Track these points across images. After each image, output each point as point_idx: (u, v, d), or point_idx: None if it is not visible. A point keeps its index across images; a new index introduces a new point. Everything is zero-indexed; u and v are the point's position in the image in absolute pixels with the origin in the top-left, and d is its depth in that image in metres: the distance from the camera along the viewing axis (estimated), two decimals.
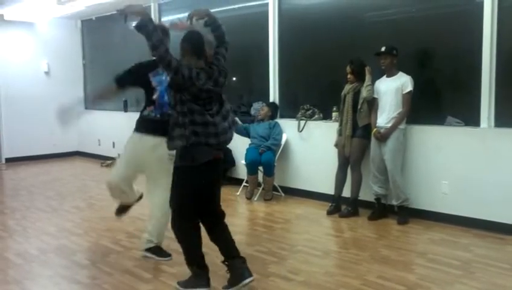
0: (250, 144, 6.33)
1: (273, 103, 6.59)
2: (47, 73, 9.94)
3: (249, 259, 3.99)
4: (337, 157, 5.48)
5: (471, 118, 4.87)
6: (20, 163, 9.26)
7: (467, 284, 3.47)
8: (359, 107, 5.21)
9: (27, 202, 6.15)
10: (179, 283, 3.36)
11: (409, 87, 4.95)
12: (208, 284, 3.30)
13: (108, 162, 9.07)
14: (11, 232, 4.90)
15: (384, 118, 5.07)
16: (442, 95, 5.24)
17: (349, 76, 5.34)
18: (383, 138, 5.04)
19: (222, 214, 3.50)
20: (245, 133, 6.41)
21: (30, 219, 5.33)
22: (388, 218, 5.14)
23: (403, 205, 5.05)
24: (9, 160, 9.40)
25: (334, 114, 5.79)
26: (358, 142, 5.27)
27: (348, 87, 5.38)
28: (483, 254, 4.11)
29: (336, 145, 5.48)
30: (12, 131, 9.42)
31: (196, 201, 3.28)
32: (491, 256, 4.04)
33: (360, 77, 5.26)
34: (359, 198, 5.39)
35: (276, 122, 6.39)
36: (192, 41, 3.20)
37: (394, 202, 5.11)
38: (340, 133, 5.42)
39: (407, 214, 5.05)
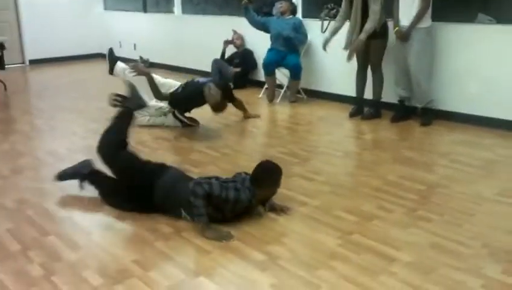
0: (270, 48, 6.14)
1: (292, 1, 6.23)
2: None
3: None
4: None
5: (504, 15, 4.61)
6: (43, 64, 9.30)
7: (488, 183, 3.51)
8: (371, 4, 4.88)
9: (53, 103, 6.26)
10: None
11: None
12: None
13: (131, 64, 9.01)
14: (39, 132, 5.05)
15: (404, 16, 4.78)
16: None
17: None
18: (403, 37, 4.79)
19: None
20: (261, 26, 6.13)
21: (57, 119, 5.46)
22: (411, 120, 5.09)
23: (427, 106, 4.96)
24: (32, 62, 9.45)
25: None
26: (377, 42, 5.05)
27: None
28: (506, 154, 4.10)
29: (346, 46, 5.17)
30: (34, 33, 9.36)
31: None
32: None
33: None
34: (381, 100, 5.31)
35: (301, 20, 6.15)
36: None
37: (418, 104, 5.02)
38: (352, 32, 5.10)
39: (431, 116, 4.98)
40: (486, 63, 4.71)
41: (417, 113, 5.07)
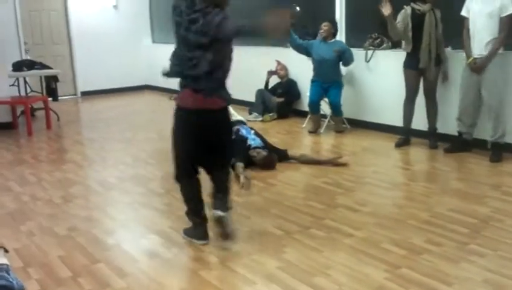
0: (313, 80, 6.15)
1: (334, 20, 6.18)
2: (115, 7, 10.09)
3: (316, 190, 4.07)
4: (406, 87, 5.20)
5: None
6: (94, 96, 9.69)
7: None
8: (440, 30, 4.82)
9: (103, 133, 6.49)
10: (184, 230, 3.25)
11: (510, 10, 4.35)
12: (204, 237, 3.14)
13: (176, 95, 9.26)
14: (90, 162, 5.22)
15: (477, 45, 4.55)
16: None
17: None
18: (479, 69, 4.55)
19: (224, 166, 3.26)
20: (304, 50, 6.10)
21: (107, 149, 5.65)
22: (468, 152, 4.89)
23: (498, 141, 4.66)
24: (84, 93, 9.86)
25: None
26: (437, 69, 4.96)
27: (423, 5, 4.89)
28: None
29: (411, 73, 5.08)
30: (85, 66, 9.80)
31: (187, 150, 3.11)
32: None
33: None
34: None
35: (343, 42, 6.11)
36: None
37: (489, 138, 4.72)
38: (415, 60, 4.96)
39: (501, 151, 4.66)
40: None
41: (487, 146, 4.78)
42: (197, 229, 3.16)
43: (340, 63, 5.99)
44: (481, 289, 2.49)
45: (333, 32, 6.03)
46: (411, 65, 5.09)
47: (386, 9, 4.90)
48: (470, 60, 4.63)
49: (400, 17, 5.04)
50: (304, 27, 6.85)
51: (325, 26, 5.98)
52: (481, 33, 4.52)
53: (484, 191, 3.93)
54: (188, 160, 3.14)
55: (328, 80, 6.00)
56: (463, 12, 4.68)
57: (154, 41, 10.60)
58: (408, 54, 5.12)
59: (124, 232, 3.44)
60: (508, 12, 4.39)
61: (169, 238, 3.24)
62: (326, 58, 5.93)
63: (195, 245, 3.11)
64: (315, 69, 6.12)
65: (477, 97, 4.68)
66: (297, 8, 6.00)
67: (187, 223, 3.23)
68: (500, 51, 4.52)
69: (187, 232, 3.22)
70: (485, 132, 4.83)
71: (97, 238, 3.29)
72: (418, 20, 4.93)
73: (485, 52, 4.52)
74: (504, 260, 2.77)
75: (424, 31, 4.89)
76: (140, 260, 2.97)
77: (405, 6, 5.04)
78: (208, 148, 3.09)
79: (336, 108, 6.02)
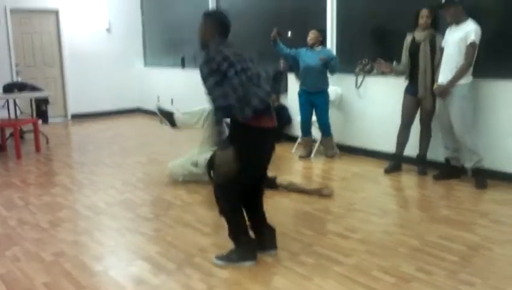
0: (300, 88, 6.06)
1: (322, 29, 6.22)
2: (108, 30, 10.16)
3: (306, 217, 4.07)
4: (400, 115, 5.22)
5: None
6: (85, 119, 9.67)
7: None
8: (436, 59, 4.89)
9: (93, 157, 6.45)
10: (220, 258, 3.17)
11: (472, 37, 4.50)
12: (255, 256, 3.16)
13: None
14: (79, 186, 5.18)
15: (444, 72, 4.72)
16: None
17: (425, 20, 4.93)
18: (442, 94, 4.74)
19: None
20: (292, 58, 6.06)
21: (96, 173, 5.61)
22: (457, 179, 4.93)
23: (477, 167, 4.74)
24: (74, 116, 9.84)
25: (395, 67, 5.35)
26: (433, 97, 5.00)
27: (420, 34, 4.99)
28: None
29: (407, 101, 5.16)
30: (77, 88, 9.80)
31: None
32: None
33: (434, 24, 4.96)
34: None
35: (331, 52, 6.09)
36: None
37: (467, 165, 4.84)
38: (413, 88, 5.06)
39: (484, 177, 4.73)
40: None
41: (468, 174, 4.88)
42: (247, 250, 3.15)
43: (327, 71, 6.00)
44: None
45: (321, 40, 6.04)
46: (410, 91, 5.15)
47: (386, 69, 5.28)
48: (435, 86, 4.80)
49: (404, 47, 5.15)
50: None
51: (312, 34, 6.00)
52: (449, 61, 4.68)
53: (473, 219, 3.94)
54: (249, 184, 3.15)
55: (314, 88, 5.96)
56: (442, 44, 4.82)
57: (146, 65, 10.66)
58: (409, 80, 5.17)
59: (111, 258, 3.39)
60: (470, 41, 4.52)
61: (157, 265, 3.20)
62: (311, 66, 5.91)
63: (184, 272, 3.07)
64: (301, 77, 6.09)
65: (450, 124, 4.78)
66: (289, 33, 6.09)
67: (179, 249, 3.20)
68: (466, 80, 4.63)
69: (230, 258, 3.15)
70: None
71: (84, 264, 3.25)
72: (414, 48, 5.02)
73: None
74: None
75: (420, 60, 4.98)
76: (126, 287, 2.92)
77: (408, 34, 5.13)
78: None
79: (324, 127, 6.04)
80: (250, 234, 3.21)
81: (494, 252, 3.27)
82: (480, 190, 4.64)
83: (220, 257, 3.19)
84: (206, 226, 3.88)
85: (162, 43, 10.16)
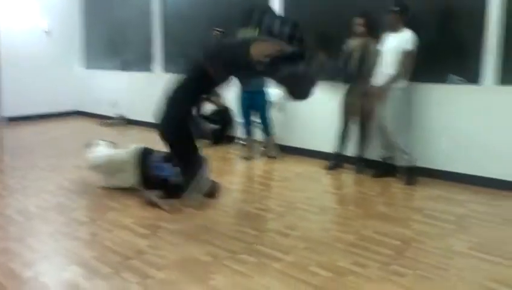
0: (240, 88, 6.06)
1: None
2: (47, 32, 9.79)
3: (247, 216, 4.08)
4: (339, 115, 5.39)
5: (473, 76, 4.81)
6: (21, 122, 9.25)
7: (460, 238, 3.52)
8: (370, 65, 5.06)
9: (28, 161, 6.17)
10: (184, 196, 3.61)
11: (408, 46, 4.74)
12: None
13: (108, 121, 9.07)
14: (11, 191, 4.94)
15: (382, 76, 4.92)
16: (445, 53, 5.11)
17: (358, 28, 5.13)
18: (379, 97, 4.91)
19: None
20: None
21: (30, 178, 5.36)
22: (394, 177, 5.10)
23: (409, 165, 4.95)
24: (10, 119, 9.38)
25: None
26: (370, 100, 5.17)
27: (354, 41, 5.18)
28: (478, 209, 4.14)
29: (345, 104, 5.32)
30: (13, 91, 9.35)
31: None
32: (485, 211, 4.08)
33: (370, 32, 5.12)
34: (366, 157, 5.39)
35: None
36: None
37: (399, 163, 5.03)
38: (347, 92, 5.26)
39: (415, 175, 4.94)
40: (457, 120, 4.86)
41: (401, 172, 5.07)
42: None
43: None
44: None
45: None
46: (347, 93, 5.32)
47: (335, 93, 5.38)
48: (372, 88, 4.98)
49: (343, 53, 5.31)
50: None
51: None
52: (386, 66, 4.89)
53: (407, 214, 4.09)
54: None
55: (253, 88, 5.97)
56: (381, 48, 5.00)
57: (87, 67, 10.36)
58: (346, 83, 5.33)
59: (43, 264, 3.24)
60: (406, 48, 4.75)
61: (92, 269, 3.09)
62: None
63: (120, 276, 2.99)
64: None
65: (385, 126, 4.97)
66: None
67: (115, 253, 3.10)
68: (402, 84, 4.84)
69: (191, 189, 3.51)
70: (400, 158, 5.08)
71: (13, 271, 3.09)
72: (349, 54, 5.21)
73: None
74: (423, 279, 2.88)
75: (353, 65, 5.16)
76: None
77: (348, 40, 5.30)
78: None
79: (265, 127, 6.08)
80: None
81: (425, 245, 3.40)
82: (410, 186, 4.84)
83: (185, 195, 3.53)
84: (143, 227, 3.80)
85: (104, 45, 9.90)
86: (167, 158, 4.39)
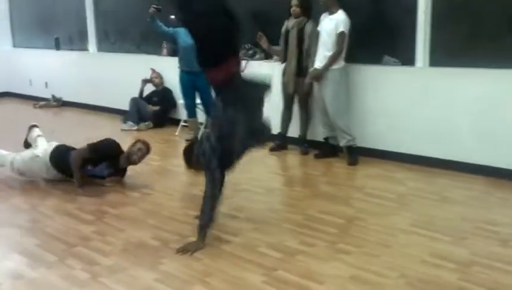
0: (181, 70, 5.93)
1: None
2: None
3: (194, 199, 4.04)
4: (282, 96, 5.44)
5: (407, 58, 4.99)
6: None
7: (401, 214, 3.69)
8: (306, 45, 5.14)
9: None
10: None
11: (341, 28, 4.83)
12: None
13: (42, 103, 8.65)
14: None
15: (319, 57, 5.01)
16: (380, 35, 5.21)
17: (294, 9, 5.17)
18: (316, 78, 5.01)
19: None
20: (170, 37, 6.08)
21: None
22: (337, 157, 5.21)
23: (350, 145, 5.09)
24: None
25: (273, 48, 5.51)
26: (302, 80, 5.24)
27: (291, 22, 5.25)
28: (416, 186, 4.35)
29: (283, 84, 5.38)
30: None
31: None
32: (422, 188, 4.28)
33: (306, 13, 5.17)
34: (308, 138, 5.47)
35: None
36: None
37: (341, 144, 5.15)
38: (284, 71, 5.36)
39: (356, 154, 5.08)
40: (392, 101, 5.04)
41: (343, 151, 5.20)
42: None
43: None
44: (349, 284, 2.66)
45: None
46: (283, 74, 5.36)
47: (264, 44, 5.41)
48: (311, 70, 5.08)
49: (281, 33, 5.33)
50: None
51: None
52: (323, 47, 4.99)
53: (349, 193, 4.23)
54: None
55: (195, 68, 5.88)
56: (318, 29, 5.07)
57: (15, 46, 9.80)
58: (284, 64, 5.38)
59: None
60: (339, 30, 4.86)
61: (36, 257, 2.98)
62: (192, 46, 5.82)
63: (65, 263, 2.90)
64: (181, 58, 5.95)
65: (324, 106, 5.09)
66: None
67: (59, 240, 3.00)
68: (341, 64, 4.98)
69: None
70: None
71: None
72: (286, 35, 5.26)
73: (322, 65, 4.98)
74: (367, 256, 3.00)
75: (289, 45, 5.23)
76: (2, 283, 2.69)
77: (286, 21, 5.31)
78: None
79: (209, 108, 6.03)
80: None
81: (368, 223, 3.53)
82: (351, 166, 4.99)
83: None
84: (87, 213, 3.70)
85: (33, 23, 9.39)
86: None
